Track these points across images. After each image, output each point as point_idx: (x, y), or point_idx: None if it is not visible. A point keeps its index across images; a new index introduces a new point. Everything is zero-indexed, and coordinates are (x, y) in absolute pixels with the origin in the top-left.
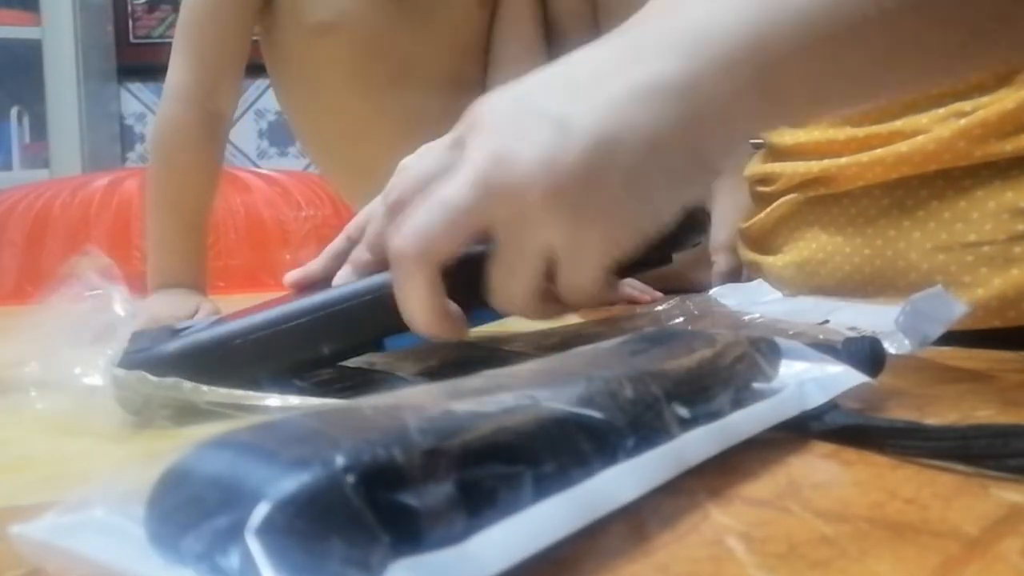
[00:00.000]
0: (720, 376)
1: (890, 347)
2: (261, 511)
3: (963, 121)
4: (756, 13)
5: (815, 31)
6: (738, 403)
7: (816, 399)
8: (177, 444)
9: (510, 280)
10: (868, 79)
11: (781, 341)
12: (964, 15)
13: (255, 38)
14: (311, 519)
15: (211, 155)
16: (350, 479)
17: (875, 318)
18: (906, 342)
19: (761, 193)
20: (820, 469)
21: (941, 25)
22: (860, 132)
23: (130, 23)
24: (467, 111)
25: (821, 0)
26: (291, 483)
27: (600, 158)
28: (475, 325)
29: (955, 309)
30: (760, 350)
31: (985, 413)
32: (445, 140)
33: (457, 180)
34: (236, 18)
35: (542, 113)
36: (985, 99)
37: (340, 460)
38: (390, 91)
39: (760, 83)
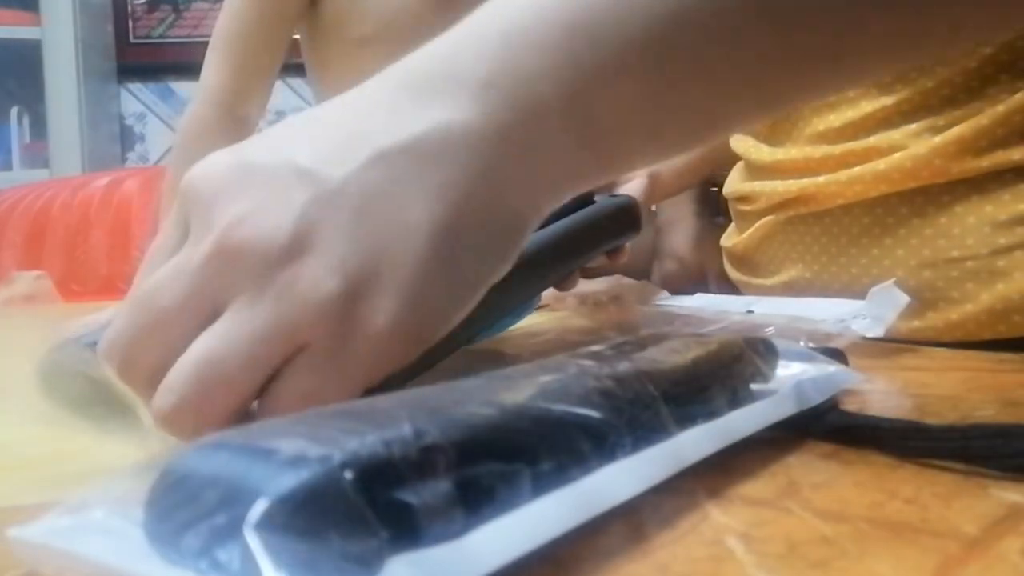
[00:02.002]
0: (717, 376)
1: (865, 331)
2: (260, 507)
3: (938, 138)
4: (563, 42)
5: (640, 56)
6: (735, 403)
7: (814, 399)
8: (176, 445)
9: (223, 356)
10: (704, 109)
11: (778, 342)
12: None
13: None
14: (310, 515)
15: None
16: (348, 476)
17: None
18: (875, 326)
19: (742, 212)
20: (820, 469)
21: (776, 45)
22: (836, 149)
23: (130, 23)
24: (184, 181)
25: (643, 23)
26: (290, 479)
27: (374, 229)
28: (485, 334)
29: (901, 299)
30: (757, 350)
31: (985, 413)
32: (172, 227)
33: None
34: (276, 30)
35: (285, 164)
36: (958, 112)
37: (338, 457)
38: None
39: (577, 125)
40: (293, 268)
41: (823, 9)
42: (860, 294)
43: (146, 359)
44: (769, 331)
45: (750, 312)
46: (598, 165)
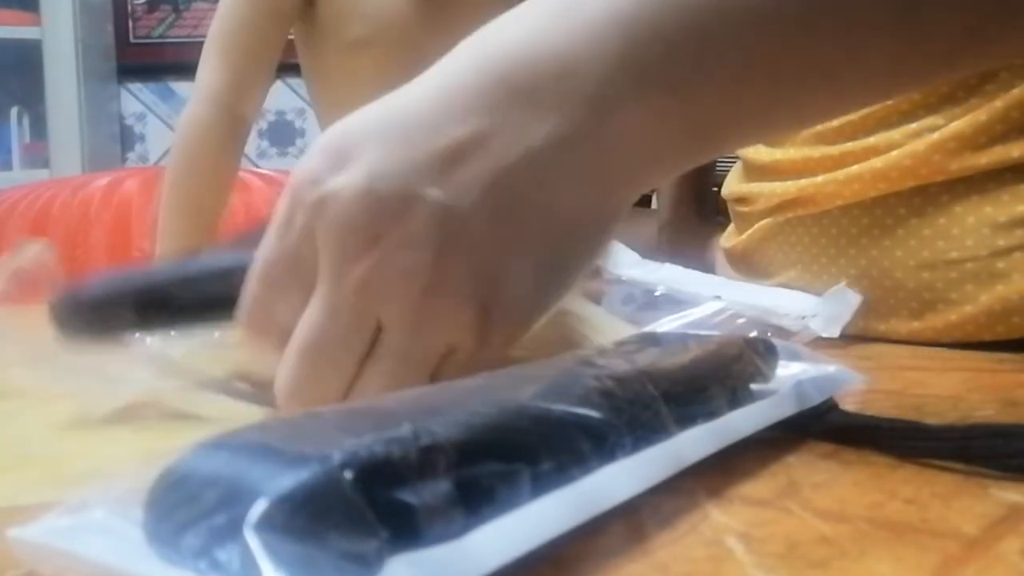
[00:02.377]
0: (717, 375)
1: (820, 331)
2: (260, 507)
3: (936, 135)
4: (676, 40)
5: (747, 49)
6: (735, 403)
7: (813, 398)
8: (176, 444)
9: (401, 376)
10: (802, 99)
11: (777, 342)
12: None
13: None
14: (309, 515)
15: (231, 158)
16: (348, 475)
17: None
18: (831, 326)
19: (741, 213)
20: (820, 469)
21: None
22: (835, 150)
23: (130, 23)
24: (297, 173)
25: (745, 13)
26: (289, 479)
27: (493, 232)
28: None
29: (853, 299)
30: (757, 350)
31: (985, 413)
32: (294, 246)
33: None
34: (272, 29)
35: (416, 197)
36: (958, 110)
37: (338, 457)
38: None
39: (687, 119)
40: (435, 297)
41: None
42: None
43: (327, 398)
44: (742, 321)
45: (717, 297)
46: (702, 152)
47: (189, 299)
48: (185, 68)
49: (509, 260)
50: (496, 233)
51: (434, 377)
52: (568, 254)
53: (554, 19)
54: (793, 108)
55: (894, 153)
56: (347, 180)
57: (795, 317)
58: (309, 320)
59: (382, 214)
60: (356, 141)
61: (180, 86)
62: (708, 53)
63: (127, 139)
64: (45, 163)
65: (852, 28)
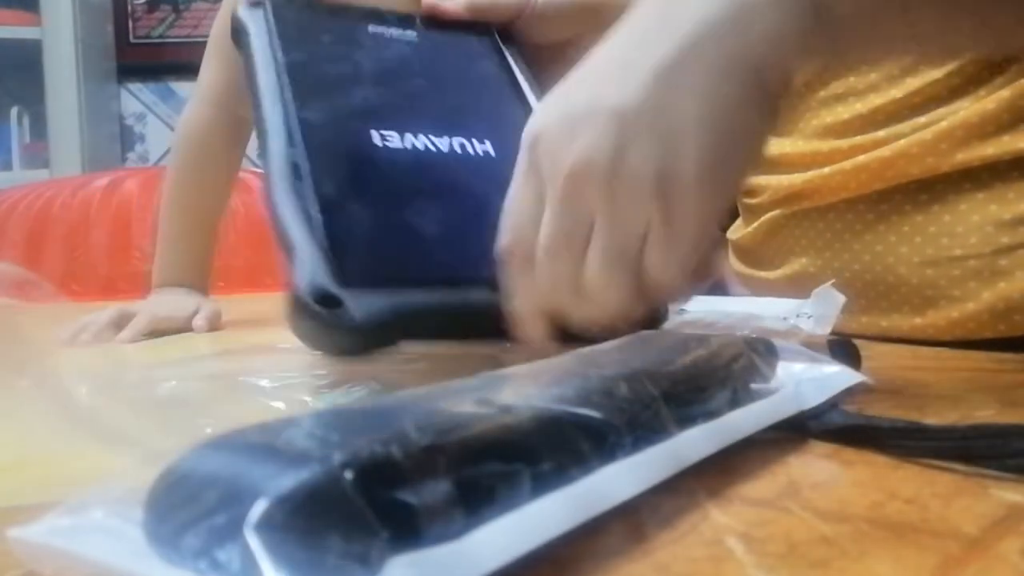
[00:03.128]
0: (717, 376)
1: (811, 330)
2: (260, 507)
3: (945, 123)
4: None
5: None
6: (736, 403)
7: (814, 399)
8: (176, 445)
9: (612, 258)
10: (930, 26)
11: (778, 342)
12: None
13: None
14: (310, 515)
15: (233, 159)
16: (348, 476)
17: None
18: (820, 325)
19: (748, 205)
20: (820, 469)
21: None
22: (844, 143)
23: (130, 23)
24: (529, 137)
25: None
26: (290, 479)
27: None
28: None
29: (838, 300)
30: (757, 350)
31: (985, 413)
32: (526, 178)
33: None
34: None
35: (598, 108)
36: (966, 102)
37: (338, 457)
38: None
39: (818, 18)
40: (620, 180)
41: None
42: (861, 289)
43: (566, 282)
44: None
45: (682, 311)
46: (827, 51)
47: (449, 318)
48: (185, 68)
49: (677, 143)
50: (663, 120)
51: (643, 266)
52: (730, 138)
53: None
54: (909, 27)
55: (901, 142)
56: (546, 115)
57: (775, 318)
58: (543, 227)
59: (574, 125)
60: (558, 95)
61: (180, 86)
62: None
63: (127, 139)
64: (45, 163)
65: None
